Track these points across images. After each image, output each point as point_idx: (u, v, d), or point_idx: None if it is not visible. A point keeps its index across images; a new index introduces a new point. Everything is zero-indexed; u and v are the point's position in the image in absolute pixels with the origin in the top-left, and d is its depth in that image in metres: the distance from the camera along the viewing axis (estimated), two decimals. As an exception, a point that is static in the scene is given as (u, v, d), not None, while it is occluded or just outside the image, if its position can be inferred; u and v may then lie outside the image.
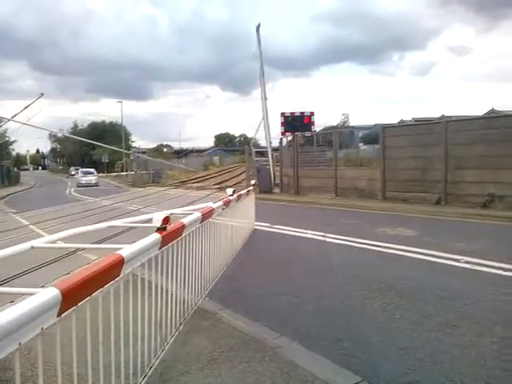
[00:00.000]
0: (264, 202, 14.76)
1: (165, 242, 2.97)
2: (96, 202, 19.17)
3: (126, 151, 29.44)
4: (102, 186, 36.10)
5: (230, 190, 6.22)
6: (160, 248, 2.92)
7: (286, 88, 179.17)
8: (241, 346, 3.52)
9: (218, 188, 23.71)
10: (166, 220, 2.97)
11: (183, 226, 3.45)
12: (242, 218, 7.44)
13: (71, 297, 1.73)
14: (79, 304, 1.84)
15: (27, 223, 11.91)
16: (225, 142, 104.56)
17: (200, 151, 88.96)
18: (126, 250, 2.31)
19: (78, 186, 35.13)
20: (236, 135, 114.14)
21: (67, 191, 30.42)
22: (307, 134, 18.99)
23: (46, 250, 3.55)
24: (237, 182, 24.20)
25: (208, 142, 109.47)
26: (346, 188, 15.43)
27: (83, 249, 4.97)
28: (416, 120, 32.30)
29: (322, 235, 8.45)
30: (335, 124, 59.49)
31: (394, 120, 45.55)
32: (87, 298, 1.90)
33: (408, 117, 43.42)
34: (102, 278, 2.03)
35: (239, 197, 6.79)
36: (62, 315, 1.69)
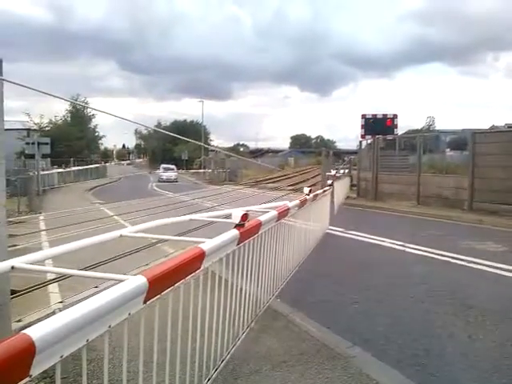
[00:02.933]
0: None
1: (242, 238, 3.00)
2: (175, 197, 20.04)
3: (209, 146, 30.45)
4: (182, 182, 37.66)
5: (306, 189, 6.14)
6: (237, 244, 2.96)
7: (368, 89, 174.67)
8: (312, 351, 3.47)
9: (293, 189, 23.67)
10: (245, 217, 2.99)
11: (260, 224, 3.46)
12: (316, 219, 7.34)
13: (157, 286, 1.79)
14: (163, 293, 1.90)
15: (112, 214, 12.75)
16: (301, 144, 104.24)
17: (275, 152, 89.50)
18: (207, 244, 2.36)
19: (159, 181, 36.89)
20: (312, 137, 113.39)
21: (149, 186, 32.12)
22: (389, 137, 18.28)
23: (127, 240, 3.77)
24: (312, 184, 23.98)
25: (284, 143, 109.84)
26: (428, 196, 14.63)
27: (167, 240, 5.19)
28: (509, 126, 29.86)
29: (401, 244, 8.09)
30: (419, 127, 56.74)
31: (485, 125, 42.41)
32: (170, 288, 1.97)
33: (501, 122, 40.30)
34: (184, 270, 2.09)
35: (315, 197, 6.69)
36: (148, 302, 1.76)
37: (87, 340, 1.41)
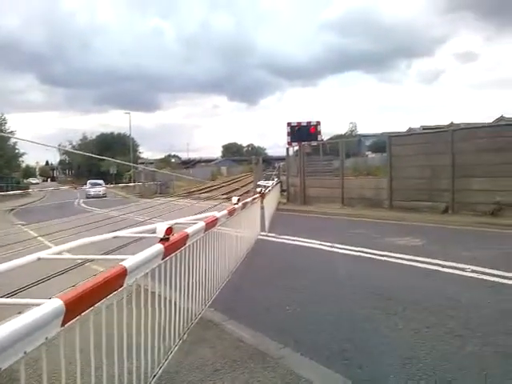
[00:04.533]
0: (271, 211, 14.76)
1: (168, 252, 3.01)
2: (104, 213, 19.33)
3: (131, 164, 29.57)
4: (110, 196, 36.36)
5: (235, 199, 6.26)
6: (163, 258, 2.97)
7: (294, 97, 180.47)
8: (245, 357, 3.55)
9: (226, 198, 23.77)
10: (169, 231, 3.02)
11: (187, 236, 3.50)
12: (247, 226, 7.47)
13: (75, 308, 1.78)
14: (83, 314, 1.89)
15: (36, 235, 12.05)
16: (232, 152, 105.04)
17: (208, 161, 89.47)
18: (128, 261, 2.36)
19: (87, 197, 35.34)
20: (244, 145, 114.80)
21: (76, 202, 30.68)
22: (313, 143, 19.03)
23: (55, 261, 3.67)
24: (244, 192, 24.25)
25: (216, 152, 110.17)
26: (352, 197, 15.43)
27: (89, 260, 5.05)
28: (424, 128, 32.33)
29: (329, 245, 8.46)
30: (343, 133, 59.81)
31: (403, 128, 45.64)
32: (90, 309, 1.95)
33: (416, 124, 43.54)
34: (105, 289, 2.08)
35: (244, 205, 6.83)
36: (66, 325, 1.74)
37: (0, 368, 1.39)
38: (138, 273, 2.52)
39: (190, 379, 3.15)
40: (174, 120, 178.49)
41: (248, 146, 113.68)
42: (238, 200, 6.30)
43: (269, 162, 57.77)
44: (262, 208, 9.90)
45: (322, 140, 20.50)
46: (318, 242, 8.75)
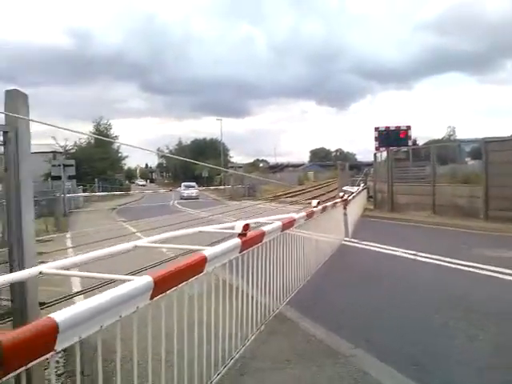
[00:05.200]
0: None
1: (244, 246, 3.29)
2: (195, 213, 20.48)
3: (223, 169, 31.00)
4: (202, 198, 38.24)
5: (314, 202, 6.40)
6: (240, 252, 3.25)
7: (386, 101, 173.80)
8: (315, 351, 3.72)
9: (310, 203, 23.81)
10: (246, 227, 3.30)
11: (263, 234, 3.74)
12: (328, 230, 7.56)
13: (162, 285, 2.10)
14: (168, 292, 2.21)
15: (134, 230, 13.25)
16: (320, 157, 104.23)
17: (295, 166, 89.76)
18: (208, 251, 2.68)
19: (181, 199, 37.53)
20: (332, 150, 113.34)
21: (171, 203, 32.74)
22: (403, 149, 18.39)
23: (148, 249, 4.17)
24: (329, 198, 24.11)
25: (303, 157, 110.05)
26: (444, 205, 14.64)
27: (176, 249, 5.56)
28: (532, 133, 29.40)
29: (413, 254, 8.21)
30: (440, 137, 56.52)
31: (507, 133, 41.81)
32: (174, 288, 2.27)
33: (523, 129, 39.67)
34: (188, 272, 2.40)
35: (324, 209, 6.93)
36: (154, 299, 2.07)
37: (101, 326, 1.72)
38: (217, 262, 2.83)
39: (262, 366, 3.39)
40: (263, 125, 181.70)
41: (336, 150, 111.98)
42: (318, 203, 6.43)
43: (358, 167, 56.46)
44: (345, 214, 9.89)
45: (417, 144, 19.71)
46: (402, 250, 8.52)
